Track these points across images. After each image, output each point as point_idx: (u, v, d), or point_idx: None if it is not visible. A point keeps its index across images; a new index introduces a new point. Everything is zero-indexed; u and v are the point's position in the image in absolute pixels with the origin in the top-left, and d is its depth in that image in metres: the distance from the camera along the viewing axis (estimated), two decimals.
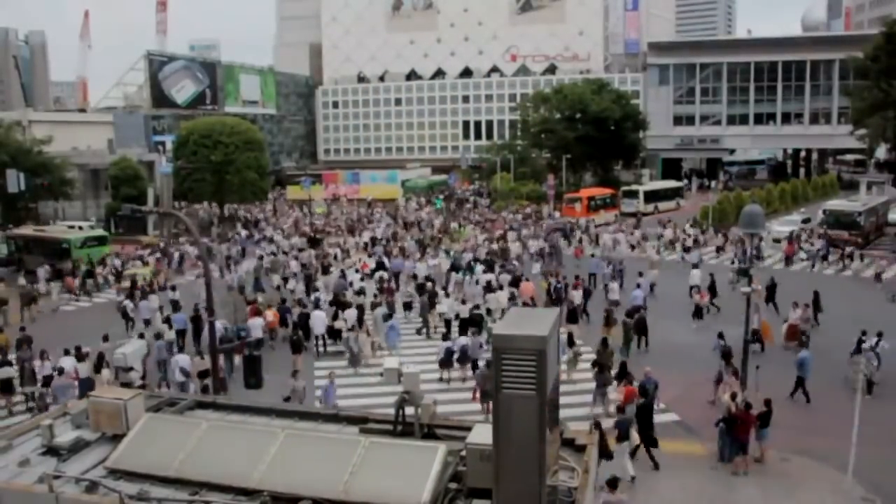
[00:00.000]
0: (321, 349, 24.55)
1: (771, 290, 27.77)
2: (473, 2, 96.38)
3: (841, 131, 68.98)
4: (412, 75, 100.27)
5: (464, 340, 21.80)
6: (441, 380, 21.23)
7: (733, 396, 16.26)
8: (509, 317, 6.98)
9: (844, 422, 15.47)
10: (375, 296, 28.56)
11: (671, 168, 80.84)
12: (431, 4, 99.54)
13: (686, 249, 38.84)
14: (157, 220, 53.20)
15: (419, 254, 38.23)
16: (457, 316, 25.10)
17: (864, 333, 20.86)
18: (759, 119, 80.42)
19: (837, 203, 46.66)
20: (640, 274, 29.97)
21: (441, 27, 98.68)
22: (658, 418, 17.49)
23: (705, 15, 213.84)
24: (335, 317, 25.14)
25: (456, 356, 21.35)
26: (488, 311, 26.46)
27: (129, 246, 46.89)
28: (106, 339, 22.37)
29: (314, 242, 43.93)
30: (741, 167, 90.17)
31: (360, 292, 28.38)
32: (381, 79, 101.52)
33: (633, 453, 15.49)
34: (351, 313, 24.74)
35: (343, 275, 32.02)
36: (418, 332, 26.44)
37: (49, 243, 41.82)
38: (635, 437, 15.51)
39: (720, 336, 20.67)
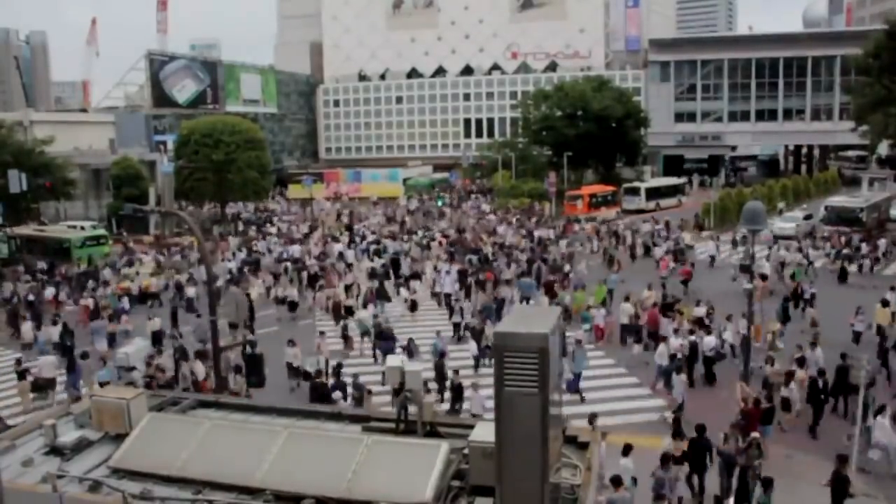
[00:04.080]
0: None
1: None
2: None
3: (842, 127, 68.79)
4: (413, 73, 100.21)
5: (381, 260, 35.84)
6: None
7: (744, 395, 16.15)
8: (511, 315, 6.97)
9: (847, 419, 15.45)
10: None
11: (673, 165, 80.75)
12: (432, 2, 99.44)
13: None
14: (159, 220, 53.26)
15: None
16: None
17: None
18: (760, 115, 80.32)
19: (839, 199, 46.61)
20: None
21: (442, 25, 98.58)
22: (659, 415, 17.45)
23: (706, 11, 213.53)
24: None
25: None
26: None
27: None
28: None
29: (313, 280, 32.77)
30: (736, 164, 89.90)
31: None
32: (382, 77, 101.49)
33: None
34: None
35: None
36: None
37: (49, 243, 41.91)
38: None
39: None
